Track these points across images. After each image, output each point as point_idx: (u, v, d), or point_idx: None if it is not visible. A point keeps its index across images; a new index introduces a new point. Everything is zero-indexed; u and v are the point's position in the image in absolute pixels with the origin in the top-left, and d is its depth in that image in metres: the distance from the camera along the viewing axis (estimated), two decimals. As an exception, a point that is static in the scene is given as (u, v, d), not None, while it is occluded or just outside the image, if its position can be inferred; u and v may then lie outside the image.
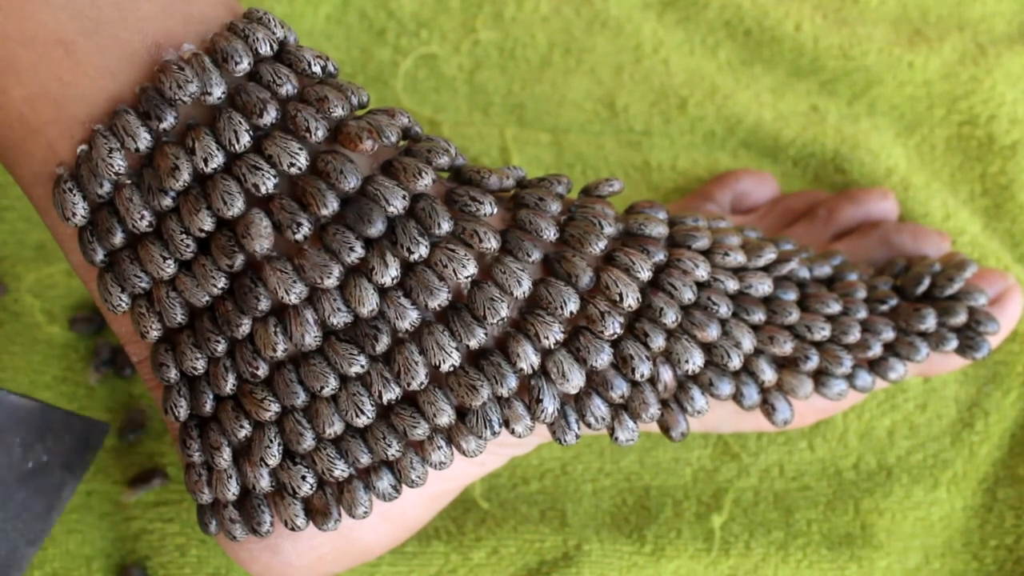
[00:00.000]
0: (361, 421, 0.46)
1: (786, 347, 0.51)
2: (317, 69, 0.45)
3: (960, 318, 0.56)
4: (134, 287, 0.45)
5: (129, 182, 0.44)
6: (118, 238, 0.44)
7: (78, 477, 0.52)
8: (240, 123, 0.43)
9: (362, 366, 0.45)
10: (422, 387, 0.46)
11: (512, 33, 0.71)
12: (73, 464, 0.51)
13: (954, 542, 0.60)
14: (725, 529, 0.60)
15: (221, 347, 0.46)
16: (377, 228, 0.44)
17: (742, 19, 0.70)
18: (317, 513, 0.48)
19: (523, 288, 0.46)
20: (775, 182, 0.66)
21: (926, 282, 0.57)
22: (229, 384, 0.46)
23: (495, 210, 0.47)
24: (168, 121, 0.43)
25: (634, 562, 0.59)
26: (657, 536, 0.59)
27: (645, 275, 0.48)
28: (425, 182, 0.45)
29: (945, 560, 0.60)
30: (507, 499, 0.61)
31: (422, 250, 0.44)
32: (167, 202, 0.44)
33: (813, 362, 0.52)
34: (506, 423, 0.47)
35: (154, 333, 0.46)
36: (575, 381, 0.47)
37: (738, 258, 0.51)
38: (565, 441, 0.48)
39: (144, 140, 0.43)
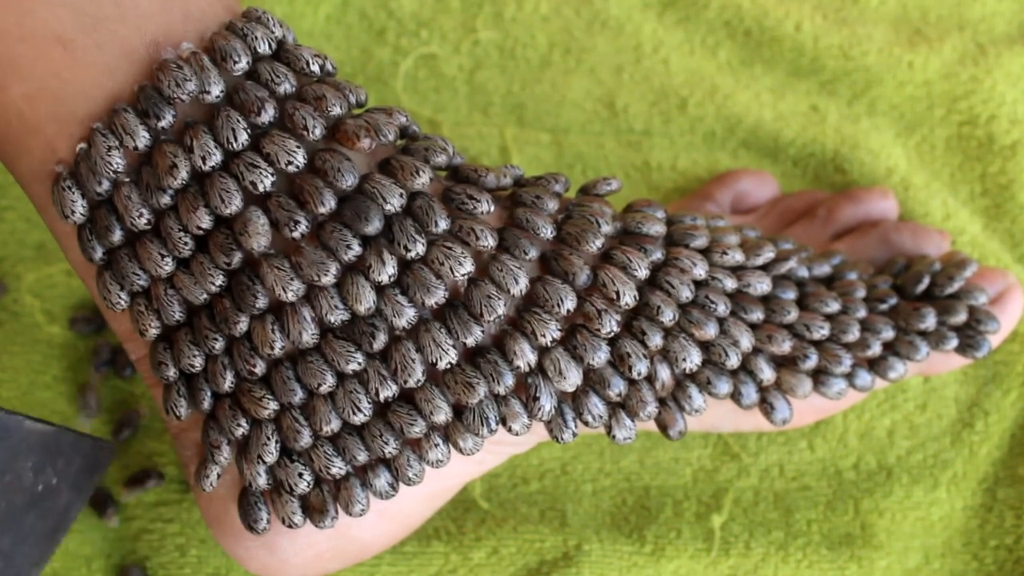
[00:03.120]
0: (358, 419, 0.46)
1: (785, 346, 0.51)
2: (315, 68, 0.46)
3: (960, 317, 0.56)
4: (133, 285, 0.45)
5: (128, 180, 0.44)
6: (117, 236, 0.45)
7: (85, 497, 0.51)
8: (238, 121, 0.43)
9: (359, 364, 0.45)
10: (419, 385, 0.46)
11: (512, 33, 0.71)
12: (81, 485, 0.50)
13: (954, 542, 0.60)
14: (725, 529, 0.60)
15: (219, 345, 0.46)
16: (374, 226, 0.44)
17: (742, 19, 0.70)
18: (314, 511, 0.48)
19: (520, 286, 0.46)
20: (775, 182, 0.66)
21: (926, 281, 0.57)
22: (227, 382, 0.46)
23: (492, 208, 0.47)
24: (166, 119, 0.43)
25: (634, 562, 0.59)
26: (657, 536, 0.59)
27: (642, 273, 0.48)
28: (422, 180, 0.45)
29: (945, 560, 0.60)
30: (507, 499, 0.61)
31: (419, 248, 0.44)
32: (165, 200, 0.44)
33: (812, 361, 0.52)
34: (503, 421, 0.47)
35: (152, 331, 0.46)
36: (572, 379, 0.47)
37: (736, 257, 0.51)
38: (562, 439, 0.48)
39: (143, 138, 0.43)
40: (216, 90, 0.43)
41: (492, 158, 0.68)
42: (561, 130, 0.69)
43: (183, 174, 0.43)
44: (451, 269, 0.45)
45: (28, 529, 0.48)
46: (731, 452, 0.62)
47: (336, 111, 0.44)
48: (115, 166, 0.43)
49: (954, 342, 0.55)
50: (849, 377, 0.54)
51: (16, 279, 0.64)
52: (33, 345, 0.63)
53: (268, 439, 0.47)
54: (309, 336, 0.45)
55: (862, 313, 0.55)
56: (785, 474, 0.61)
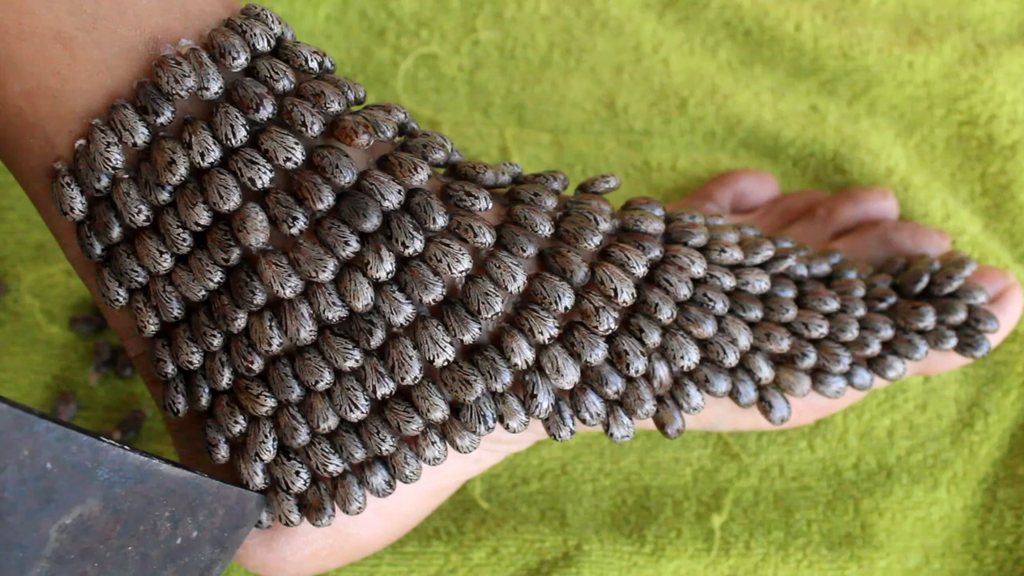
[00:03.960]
0: (355, 416, 0.46)
1: (783, 344, 0.51)
2: (314, 65, 0.46)
3: (959, 316, 0.55)
4: (131, 282, 0.45)
5: (127, 177, 0.44)
6: (115, 232, 0.45)
7: (229, 555, 0.47)
8: (237, 118, 0.43)
9: (356, 360, 0.45)
10: (416, 382, 0.46)
11: (512, 33, 0.71)
12: (224, 540, 0.46)
13: (954, 542, 0.60)
14: (725, 529, 0.60)
15: (217, 341, 0.46)
16: (372, 222, 0.44)
17: (742, 19, 0.70)
18: (311, 509, 0.48)
19: (518, 283, 0.46)
20: (775, 182, 0.66)
21: (925, 280, 0.57)
22: (225, 379, 0.46)
23: (490, 205, 0.47)
24: (165, 116, 0.43)
25: (634, 562, 0.58)
26: (657, 536, 0.59)
27: (640, 271, 0.48)
28: (420, 177, 0.45)
29: (945, 560, 0.60)
30: (507, 499, 0.61)
31: (417, 244, 0.44)
32: (164, 196, 0.44)
33: (811, 359, 0.52)
34: (500, 418, 0.47)
35: (151, 328, 0.46)
36: (569, 376, 0.47)
37: (735, 255, 0.51)
38: (560, 437, 0.48)
39: (141, 135, 0.43)
40: (215, 86, 0.43)
41: (492, 158, 0.68)
42: (561, 130, 0.69)
43: (182, 170, 0.43)
44: (449, 266, 0.45)
45: None
46: (731, 452, 0.61)
47: (334, 108, 0.44)
48: (114, 162, 0.43)
49: (953, 341, 0.55)
50: (848, 376, 0.54)
51: (16, 279, 0.64)
52: (33, 345, 0.63)
53: (266, 436, 0.47)
54: (307, 333, 0.45)
55: (861, 312, 0.54)
56: (785, 474, 0.61)
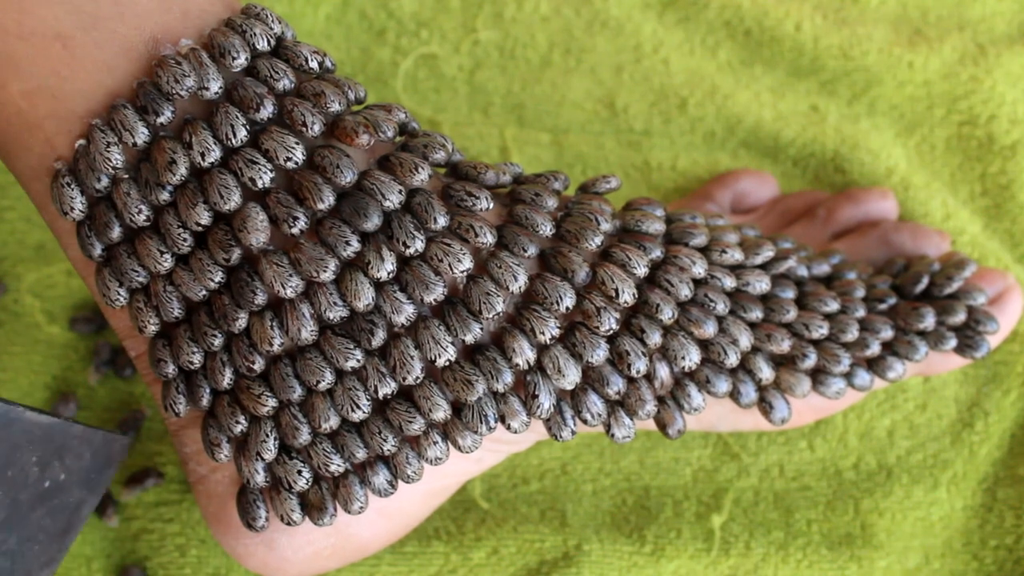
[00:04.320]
0: (357, 416, 0.46)
1: (784, 345, 0.51)
2: (314, 65, 0.46)
3: (959, 317, 0.56)
4: (132, 282, 0.45)
5: (127, 177, 0.44)
6: (115, 232, 0.45)
7: (97, 495, 0.49)
8: (237, 118, 0.43)
9: (358, 360, 0.45)
10: (418, 382, 0.46)
11: (512, 33, 0.71)
12: (92, 481, 0.48)
13: (954, 542, 0.60)
14: (725, 529, 0.60)
15: (218, 341, 0.46)
16: (373, 222, 0.44)
17: (742, 19, 0.70)
18: (313, 508, 0.48)
19: (519, 283, 0.46)
20: (775, 182, 0.66)
21: (925, 281, 0.57)
22: (226, 379, 0.46)
23: (491, 205, 0.47)
24: (165, 115, 0.43)
25: (634, 562, 0.58)
26: (657, 536, 0.59)
27: (641, 271, 0.48)
28: (421, 177, 0.45)
29: (945, 560, 0.60)
30: (507, 499, 0.61)
31: (418, 244, 0.44)
32: (164, 196, 0.44)
33: (811, 360, 0.52)
34: (502, 419, 0.47)
35: (151, 328, 0.46)
36: (571, 377, 0.47)
37: (736, 255, 0.51)
38: (561, 437, 0.48)
39: (141, 134, 0.43)
40: (215, 86, 0.43)
41: (492, 158, 0.68)
42: (561, 130, 0.69)
43: (182, 170, 0.43)
44: (450, 266, 0.45)
45: (36, 527, 0.46)
46: (731, 452, 0.61)
47: (335, 108, 0.44)
48: (114, 162, 0.43)
49: (953, 342, 0.55)
50: (848, 376, 0.54)
51: (16, 279, 0.64)
52: (33, 345, 0.63)
53: (267, 436, 0.47)
54: (308, 333, 0.45)
55: (861, 313, 0.54)
56: (785, 474, 0.61)
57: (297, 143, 0.43)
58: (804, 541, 0.59)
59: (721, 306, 0.50)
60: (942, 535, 0.60)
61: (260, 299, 0.44)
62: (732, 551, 0.59)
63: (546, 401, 0.47)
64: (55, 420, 0.45)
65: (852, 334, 0.53)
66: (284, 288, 0.44)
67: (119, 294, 0.46)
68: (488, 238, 0.46)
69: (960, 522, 0.60)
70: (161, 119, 0.43)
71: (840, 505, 0.60)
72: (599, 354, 0.47)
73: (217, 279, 0.44)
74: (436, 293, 0.45)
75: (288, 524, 0.48)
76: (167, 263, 0.44)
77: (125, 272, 0.45)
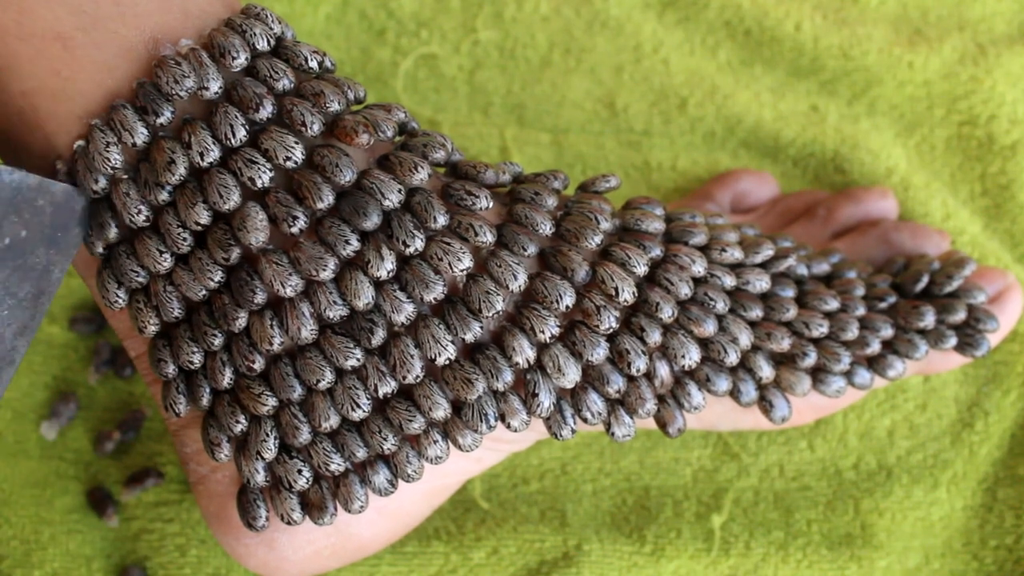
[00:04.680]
0: (357, 415, 0.46)
1: (784, 344, 0.51)
2: (314, 64, 0.46)
3: (959, 315, 0.56)
4: (131, 282, 0.45)
5: (126, 177, 0.44)
6: (113, 233, 0.45)
7: (67, 256, 0.46)
8: (236, 117, 0.43)
9: (358, 359, 0.45)
10: (418, 381, 0.46)
11: (512, 33, 0.71)
12: (59, 240, 0.45)
13: (954, 542, 0.60)
14: (725, 529, 0.60)
15: (218, 341, 0.46)
16: (372, 221, 0.44)
17: (742, 19, 0.71)
18: (313, 507, 0.48)
19: (519, 282, 0.46)
20: (775, 182, 0.66)
21: (925, 279, 0.57)
22: (226, 378, 0.46)
23: (491, 204, 0.47)
24: (164, 116, 0.43)
25: (634, 562, 0.58)
26: (657, 536, 0.59)
27: (641, 270, 0.48)
28: (421, 176, 0.45)
29: (945, 560, 0.60)
30: (507, 499, 0.61)
31: (418, 243, 0.44)
32: (163, 196, 0.44)
33: (811, 359, 0.52)
34: (502, 417, 0.47)
35: (151, 328, 0.46)
36: (571, 375, 0.47)
37: (735, 254, 0.51)
38: (561, 436, 0.48)
39: (141, 135, 0.43)
40: (215, 86, 0.43)
41: (492, 158, 0.68)
42: (561, 130, 0.69)
43: (181, 170, 0.43)
44: (450, 265, 0.45)
45: (2, 291, 0.44)
46: (731, 452, 0.61)
47: (334, 107, 0.44)
48: (113, 162, 0.43)
49: (953, 340, 0.55)
50: (848, 375, 0.54)
51: (16, 279, 0.64)
52: (33, 345, 0.63)
53: (267, 435, 0.47)
54: (308, 332, 0.45)
55: (861, 311, 0.54)
56: (785, 474, 0.61)
57: (296, 143, 0.43)
58: (804, 541, 0.59)
59: (721, 305, 0.50)
60: (942, 535, 0.60)
61: (260, 298, 0.44)
62: (732, 551, 0.59)
63: (546, 400, 0.47)
64: (4, 168, 0.42)
65: (852, 332, 0.53)
66: (284, 287, 0.44)
67: (118, 296, 0.46)
68: (488, 237, 0.46)
69: (960, 522, 0.60)
70: (160, 119, 0.43)
71: (840, 505, 0.60)
72: (599, 353, 0.47)
73: (217, 278, 0.44)
74: (436, 292, 0.45)
75: (288, 523, 0.48)
76: (167, 263, 0.44)
77: (124, 273, 0.45)
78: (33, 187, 0.43)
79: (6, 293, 0.44)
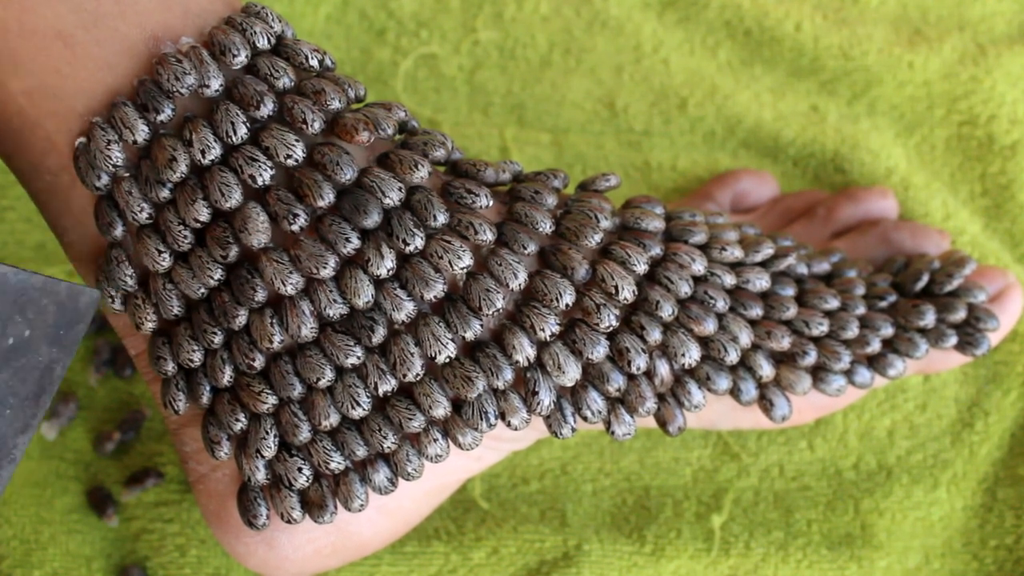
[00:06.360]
0: (357, 413, 0.46)
1: (784, 342, 0.51)
2: (314, 63, 0.46)
3: (959, 314, 0.56)
4: (125, 287, 0.46)
5: (127, 175, 0.44)
6: (119, 231, 0.45)
7: (69, 353, 0.46)
8: (237, 115, 0.43)
9: (358, 358, 0.45)
10: (418, 379, 0.46)
11: (512, 33, 0.71)
12: (62, 339, 0.45)
13: (954, 542, 0.60)
14: (725, 529, 0.60)
15: (218, 339, 0.46)
16: (373, 219, 0.44)
17: (742, 19, 0.71)
18: (313, 506, 0.48)
19: (519, 280, 0.46)
20: (775, 182, 0.66)
21: (925, 278, 0.57)
22: (226, 376, 0.46)
23: (491, 203, 0.47)
24: (165, 113, 0.43)
25: (634, 562, 0.58)
26: (657, 536, 0.59)
27: (641, 268, 0.48)
28: (421, 174, 0.45)
29: (945, 560, 0.60)
30: (507, 499, 0.61)
31: (418, 242, 0.44)
32: (164, 194, 0.44)
33: (811, 358, 0.52)
34: (502, 416, 0.47)
35: (149, 325, 0.46)
36: (571, 373, 0.47)
37: (735, 253, 0.51)
38: (561, 434, 0.48)
39: (142, 132, 0.43)
40: (215, 84, 0.43)
41: (492, 158, 0.68)
42: (561, 130, 0.69)
43: (182, 167, 0.43)
44: (450, 263, 0.45)
45: (5, 390, 0.44)
46: (731, 452, 0.61)
47: (335, 105, 0.44)
48: (114, 160, 0.43)
49: (953, 339, 0.55)
50: (848, 374, 0.54)
51: (16, 279, 0.64)
52: (33, 345, 0.63)
53: (267, 433, 0.47)
54: (308, 330, 0.45)
55: (861, 310, 0.54)
56: (785, 474, 0.61)
57: (297, 140, 0.43)
58: (804, 541, 0.59)
59: (721, 303, 0.50)
60: (942, 535, 0.60)
61: (260, 296, 0.44)
62: (732, 551, 0.59)
63: (546, 398, 0.47)
64: (10, 269, 0.42)
65: (852, 331, 0.53)
66: (284, 285, 0.44)
67: (115, 296, 0.46)
68: (488, 235, 0.46)
69: (960, 522, 0.60)
70: (161, 117, 0.43)
71: (840, 505, 0.60)
72: (599, 351, 0.47)
73: (216, 276, 0.44)
74: (436, 290, 0.45)
75: (288, 522, 0.48)
76: (165, 262, 0.44)
77: (115, 279, 0.45)
78: (38, 287, 0.43)
79: (9, 393, 0.44)
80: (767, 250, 0.53)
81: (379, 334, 0.45)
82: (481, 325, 0.46)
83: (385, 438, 0.46)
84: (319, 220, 0.44)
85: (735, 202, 0.65)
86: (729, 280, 0.51)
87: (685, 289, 0.49)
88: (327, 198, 0.43)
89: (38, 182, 0.45)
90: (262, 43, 0.45)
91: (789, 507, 0.60)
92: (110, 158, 0.43)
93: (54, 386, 0.46)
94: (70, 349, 0.46)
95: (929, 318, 0.55)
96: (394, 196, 0.44)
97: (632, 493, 0.61)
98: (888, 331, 0.54)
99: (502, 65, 0.71)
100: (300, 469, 0.47)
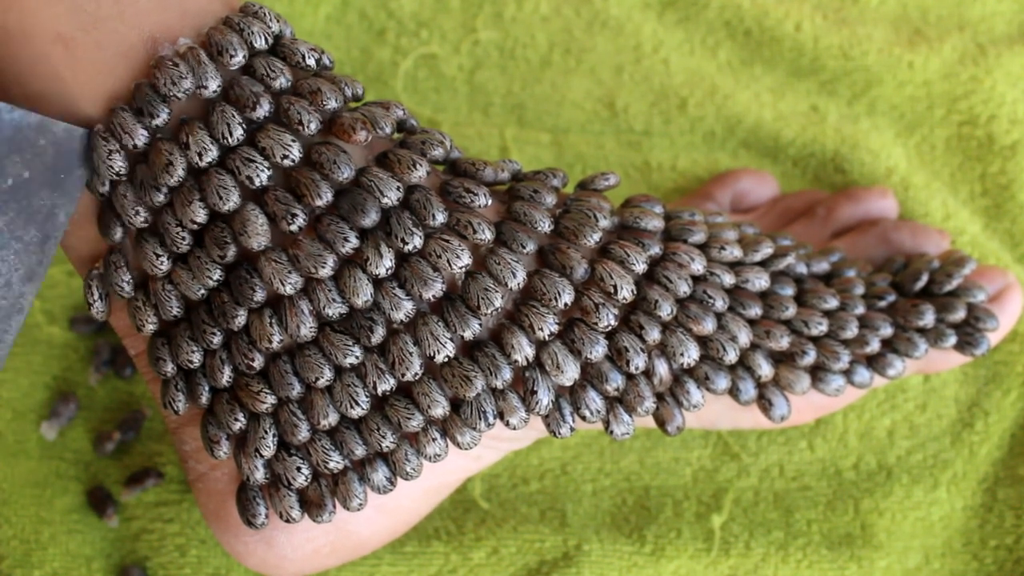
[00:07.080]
0: (356, 412, 0.46)
1: (783, 342, 0.51)
2: (311, 62, 0.46)
3: (959, 314, 0.55)
4: (121, 292, 0.46)
5: (124, 179, 0.44)
6: (118, 234, 0.45)
7: (71, 199, 0.45)
8: (233, 116, 0.43)
9: (357, 357, 0.45)
10: (416, 378, 0.46)
11: (512, 33, 0.71)
12: (61, 182, 0.44)
13: (954, 542, 0.60)
14: (725, 529, 0.60)
15: (217, 339, 0.46)
16: (371, 219, 0.44)
17: (742, 19, 0.71)
18: (312, 505, 0.48)
19: (518, 279, 0.46)
20: (775, 182, 0.66)
21: (924, 278, 0.57)
22: (225, 376, 0.46)
23: (490, 202, 0.47)
24: (161, 117, 0.43)
25: (634, 562, 0.58)
26: (657, 536, 0.59)
27: (640, 267, 0.48)
28: (419, 174, 0.45)
29: (945, 560, 0.60)
30: (507, 499, 0.61)
31: (416, 241, 0.44)
32: (160, 199, 0.44)
33: (810, 357, 0.52)
34: (501, 415, 0.47)
35: (150, 326, 0.46)
36: (570, 373, 0.47)
37: (734, 252, 0.51)
38: (560, 433, 0.48)
39: (141, 137, 0.43)
40: (213, 85, 0.43)
41: (492, 158, 0.68)
42: (561, 130, 0.69)
43: (179, 171, 0.43)
44: (448, 262, 0.45)
45: (7, 234, 0.43)
46: (731, 452, 0.61)
47: (332, 105, 0.44)
48: (117, 168, 0.43)
49: (953, 339, 0.55)
50: (848, 374, 0.54)
51: (16, 279, 0.64)
52: (33, 345, 0.63)
53: (266, 433, 0.47)
54: (307, 330, 0.45)
55: (860, 310, 0.54)
56: (785, 474, 0.61)
57: (294, 141, 0.43)
58: (804, 541, 0.59)
59: (720, 303, 0.50)
60: (942, 535, 0.60)
61: (259, 296, 0.44)
62: (732, 551, 0.59)
63: (545, 397, 0.47)
64: (4, 105, 0.41)
65: (851, 331, 0.53)
66: (283, 285, 0.44)
67: (103, 305, 0.47)
68: (486, 234, 0.46)
69: (960, 522, 0.60)
70: (156, 121, 0.43)
71: (840, 505, 0.60)
72: (598, 350, 0.47)
73: (215, 277, 0.44)
74: (435, 289, 0.45)
75: (287, 521, 0.48)
76: (164, 266, 0.45)
77: (111, 284, 0.46)
78: (34, 126, 0.42)
79: (11, 236, 0.44)
80: (766, 249, 0.53)
81: (378, 334, 0.45)
82: (480, 324, 0.46)
83: (384, 437, 0.47)
84: (317, 220, 0.44)
85: (735, 202, 0.65)
86: (728, 279, 0.51)
87: (684, 288, 0.49)
88: (325, 198, 0.43)
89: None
90: (259, 43, 0.45)
91: (789, 507, 0.60)
92: (113, 167, 0.43)
93: (59, 233, 0.45)
94: (72, 195, 0.45)
95: (928, 318, 0.55)
96: (392, 195, 0.44)
97: (632, 493, 0.61)
98: (887, 331, 0.54)
99: (502, 65, 0.71)
100: (299, 468, 0.47)
